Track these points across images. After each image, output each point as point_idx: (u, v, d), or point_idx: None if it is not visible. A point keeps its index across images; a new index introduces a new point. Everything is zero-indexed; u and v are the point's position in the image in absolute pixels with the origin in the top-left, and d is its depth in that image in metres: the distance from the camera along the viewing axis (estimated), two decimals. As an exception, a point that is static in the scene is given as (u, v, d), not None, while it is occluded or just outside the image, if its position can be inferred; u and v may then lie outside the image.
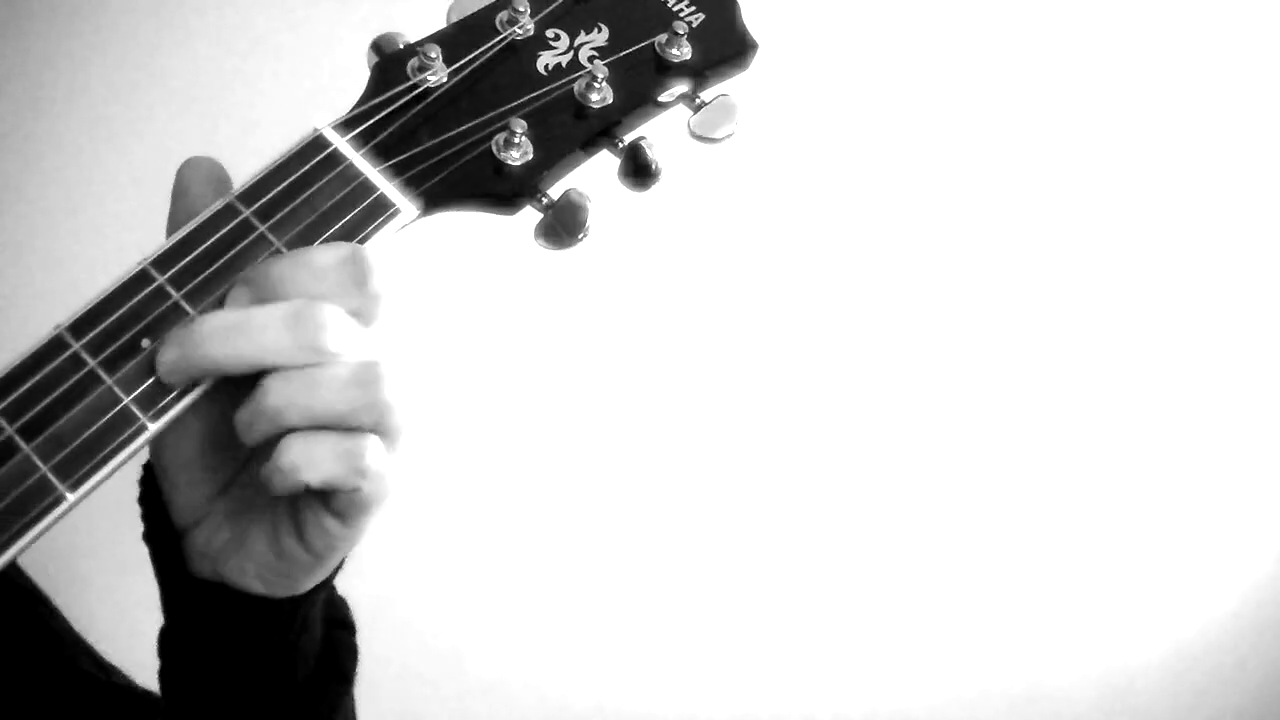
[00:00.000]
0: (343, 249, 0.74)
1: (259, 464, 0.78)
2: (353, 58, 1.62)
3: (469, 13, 0.85)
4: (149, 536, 0.83)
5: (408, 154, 0.78)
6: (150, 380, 0.72)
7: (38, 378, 0.71)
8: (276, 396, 0.71)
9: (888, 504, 1.79)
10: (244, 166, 1.59)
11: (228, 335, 0.71)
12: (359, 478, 0.72)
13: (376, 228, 0.76)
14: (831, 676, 1.79)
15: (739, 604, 1.77)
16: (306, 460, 0.71)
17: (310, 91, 1.61)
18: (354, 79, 1.59)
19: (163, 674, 0.88)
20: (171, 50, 1.58)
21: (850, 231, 1.76)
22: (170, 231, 0.79)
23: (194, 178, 0.78)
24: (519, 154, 0.80)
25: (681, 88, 0.85)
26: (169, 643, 0.86)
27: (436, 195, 0.78)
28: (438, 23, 0.88)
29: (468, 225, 0.84)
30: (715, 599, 1.77)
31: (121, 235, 1.56)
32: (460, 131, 0.80)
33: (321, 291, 0.73)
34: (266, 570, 0.78)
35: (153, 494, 0.81)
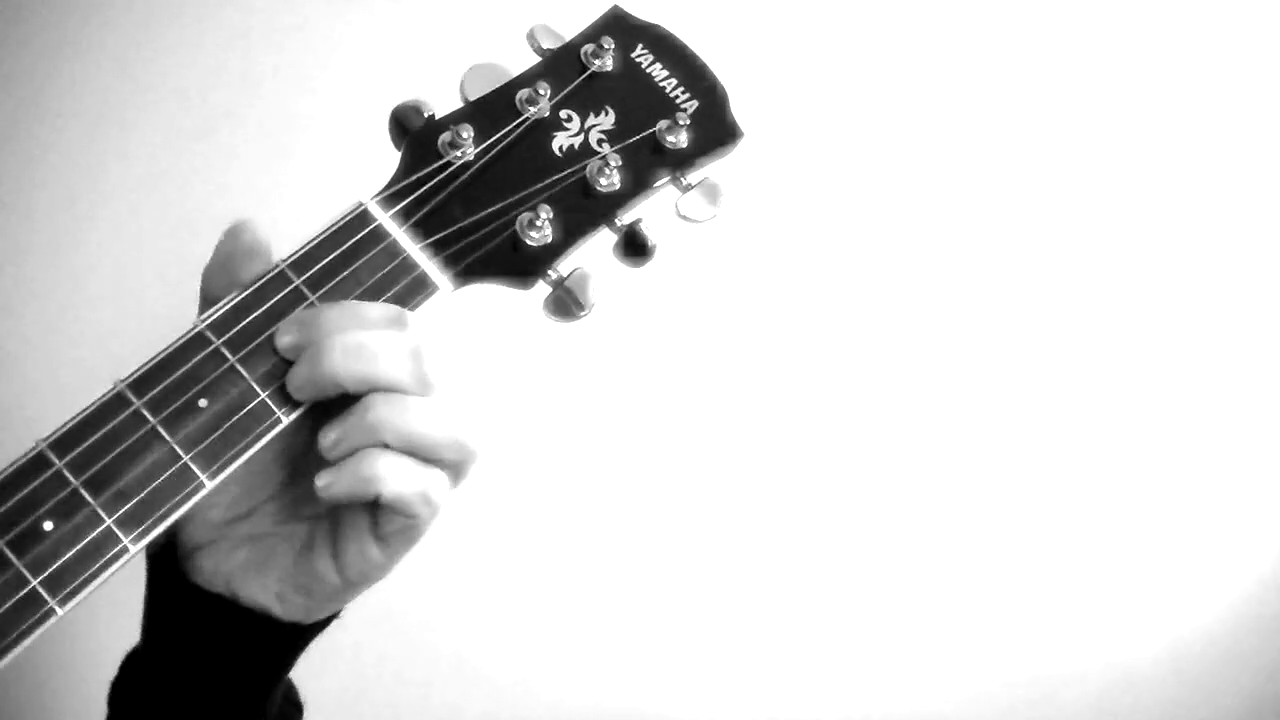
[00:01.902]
0: (391, 308, 0.80)
1: (292, 484, 0.83)
2: (351, 61, 1.62)
3: (485, 87, 0.91)
4: (154, 551, 0.86)
5: (444, 233, 0.84)
6: (209, 440, 0.77)
7: (102, 433, 0.75)
8: (379, 413, 0.77)
9: (888, 505, 1.81)
10: (243, 165, 1.59)
11: (358, 354, 0.77)
12: (425, 506, 0.78)
13: (417, 304, 0.82)
14: (829, 677, 1.82)
15: (740, 606, 1.79)
16: (388, 474, 0.77)
17: (311, 93, 1.59)
18: (352, 80, 1.59)
19: (123, 696, 0.92)
20: (172, 50, 1.55)
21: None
22: (205, 282, 0.83)
23: (239, 246, 0.82)
24: (539, 235, 0.87)
25: (672, 172, 0.92)
26: (144, 662, 0.89)
27: (469, 273, 0.85)
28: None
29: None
30: (718, 600, 1.79)
31: (121, 235, 1.53)
32: (491, 212, 0.86)
33: None
34: (290, 589, 0.83)
35: None
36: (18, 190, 1.50)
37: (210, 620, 0.85)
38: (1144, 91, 1.81)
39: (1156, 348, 1.83)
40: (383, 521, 0.80)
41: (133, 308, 1.48)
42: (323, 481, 0.78)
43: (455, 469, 0.79)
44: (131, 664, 0.91)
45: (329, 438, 0.78)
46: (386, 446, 0.77)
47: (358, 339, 0.77)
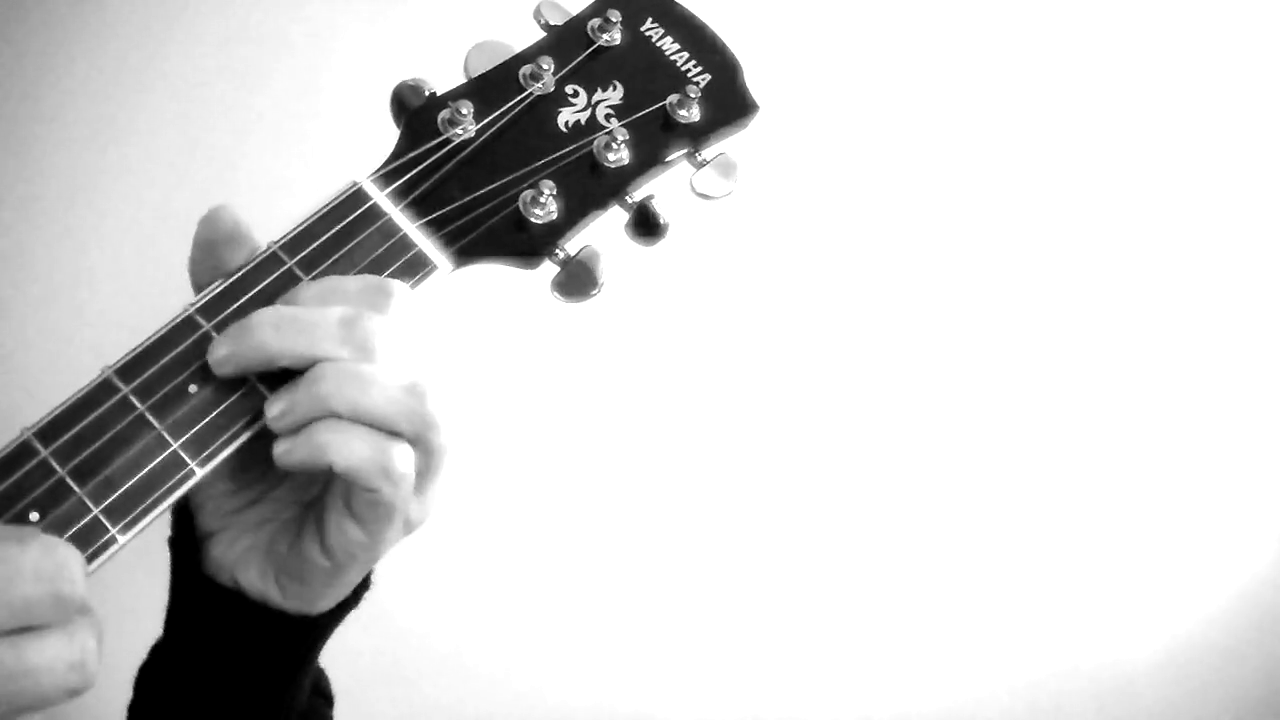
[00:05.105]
0: (371, 278, 0.77)
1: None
2: (353, 56, 1.62)
3: (489, 64, 0.88)
4: (174, 541, 0.85)
5: (443, 211, 0.81)
6: (199, 426, 0.74)
7: (88, 420, 0.73)
8: (328, 383, 0.73)
9: (889, 506, 1.81)
10: (243, 165, 1.59)
11: (282, 326, 0.74)
12: (383, 478, 0.74)
13: (415, 284, 0.80)
14: (827, 679, 1.81)
15: (739, 605, 1.78)
16: (339, 442, 0.73)
17: (312, 91, 1.60)
18: (353, 80, 1.59)
19: (145, 686, 0.90)
20: (173, 50, 1.56)
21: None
22: (193, 274, 0.81)
23: (218, 233, 0.79)
24: (543, 212, 0.84)
25: (685, 147, 0.89)
26: (164, 653, 0.88)
27: (469, 252, 0.82)
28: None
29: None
30: (719, 599, 1.78)
31: (121, 235, 1.54)
32: (492, 189, 0.83)
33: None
34: (286, 576, 0.81)
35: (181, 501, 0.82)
36: (18, 190, 1.50)
37: (222, 613, 0.83)
38: (1162, 86, 1.80)
39: (1155, 348, 1.83)
40: (352, 497, 0.77)
41: (133, 307, 1.47)
42: (280, 449, 0.75)
43: (418, 442, 0.76)
44: (158, 651, 0.90)
45: (275, 409, 0.74)
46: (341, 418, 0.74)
47: (285, 312, 0.74)
